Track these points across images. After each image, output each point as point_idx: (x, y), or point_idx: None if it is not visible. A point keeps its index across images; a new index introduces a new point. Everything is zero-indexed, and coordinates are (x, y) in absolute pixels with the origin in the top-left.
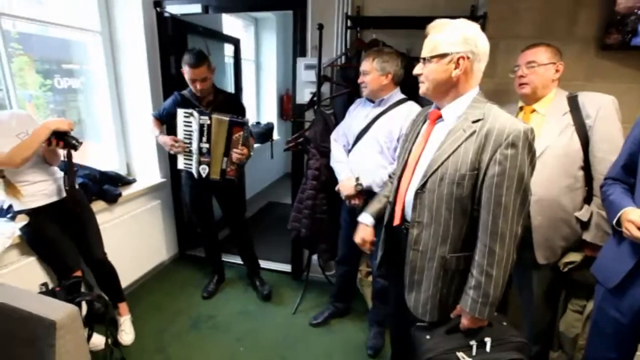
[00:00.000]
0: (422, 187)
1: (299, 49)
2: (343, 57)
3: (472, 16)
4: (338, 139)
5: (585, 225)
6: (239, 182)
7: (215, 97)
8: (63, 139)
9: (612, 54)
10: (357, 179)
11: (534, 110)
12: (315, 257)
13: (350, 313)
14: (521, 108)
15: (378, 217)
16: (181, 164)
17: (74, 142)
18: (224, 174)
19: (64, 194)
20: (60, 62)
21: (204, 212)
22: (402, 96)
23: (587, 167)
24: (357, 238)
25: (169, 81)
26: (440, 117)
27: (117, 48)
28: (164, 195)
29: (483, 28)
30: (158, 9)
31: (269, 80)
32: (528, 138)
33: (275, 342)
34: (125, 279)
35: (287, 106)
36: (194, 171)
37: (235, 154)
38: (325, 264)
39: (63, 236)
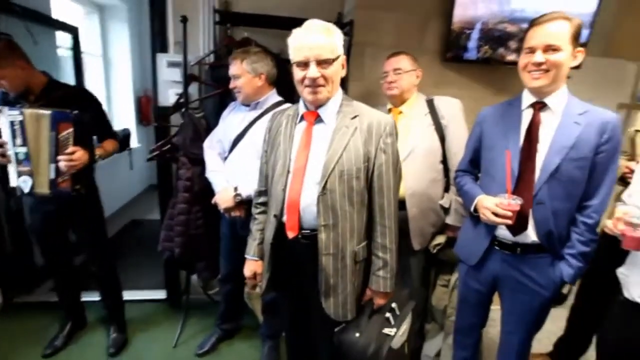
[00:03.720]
0: (324, 188)
1: (158, 43)
2: (212, 55)
3: (339, 22)
4: (212, 146)
5: (446, 211)
6: (90, 196)
7: (48, 93)
8: None
9: (452, 65)
10: (236, 188)
11: (400, 112)
12: (194, 276)
13: (241, 332)
14: (389, 110)
15: (262, 254)
16: (13, 179)
17: None
18: (54, 185)
19: None
20: None
21: (49, 239)
22: (279, 98)
23: (444, 160)
24: (247, 272)
25: None
26: (317, 117)
27: None
28: None
29: (350, 34)
30: None
31: (123, 79)
32: (396, 126)
33: None
34: None
35: (147, 109)
36: (15, 186)
37: (63, 160)
38: (206, 284)
39: None
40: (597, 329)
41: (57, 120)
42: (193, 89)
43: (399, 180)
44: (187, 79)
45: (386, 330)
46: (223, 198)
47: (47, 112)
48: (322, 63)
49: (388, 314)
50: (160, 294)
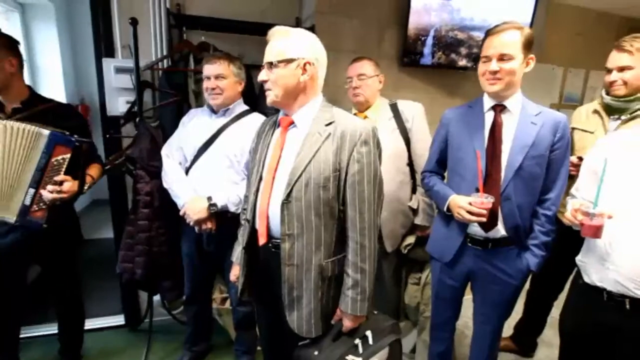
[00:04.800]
0: (288, 196)
1: (103, 47)
2: (167, 60)
3: (299, 27)
4: (171, 154)
5: (415, 212)
6: (71, 226)
7: (28, 105)
8: None
9: (409, 70)
10: (210, 198)
11: (366, 117)
12: (157, 297)
13: (212, 350)
14: (354, 115)
15: None
16: None
17: None
18: (24, 213)
19: None
20: None
21: (5, 276)
22: (246, 107)
23: (410, 163)
24: (232, 277)
25: None
26: (292, 123)
27: None
28: None
29: None
30: None
31: (53, 86)
32: (375, 135)
33: None
34: None
35: (85, 118)
36: None
37: (49, 190)
38: (172, 304)
39: None
40: (550, 311)
41: (56, 142)
42: (145, 96)
43: (379, 193)
44: (140, 85)
45: (350, 358)
46: (195, 209)
47: (45, 131)
48: (269, 67)
49: (358, 341)
50: (118, 320)
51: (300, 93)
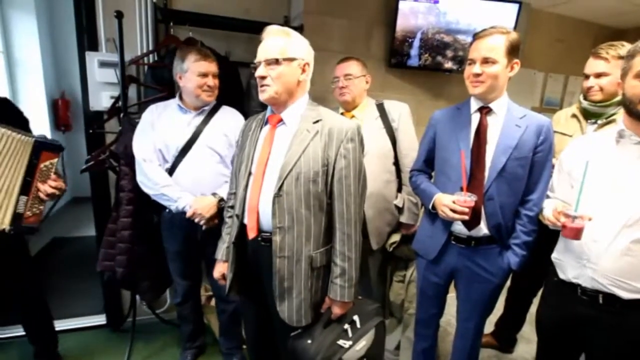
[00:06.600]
0: (279, 190)
1: (86, 40)
2: (153, 55)
3: (288, 26)
4: (151, 158)
5: (400, 210)
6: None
7: None
8: None
9: (396, 71)
10: (215, 194)
11: (353, 116)
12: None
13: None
14: (342, 114)
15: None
16: None
17: None
18: (17, 220)
19: None
20: None
21: None
22: (215, 102)
23: (396, 162)
24: (217, 274)
25: None
26: (280, 121)
27: None
28: None
29: None
30: None
31: (32, 79)
32: (360, 133)
33: None
34: None
35: (65, 114)
36: None
37: (50, 188)
38: (150, 304)
39: None
40: (529, 307)
41: (41, 148)
42: (130, 91)
43: (363, 188)
44: (125, 80)
45: (341, 342)
46: (206, 207)
47: (31, 139)
48: (270, 63)
49: (347, 326)
50: (99, 319)
51: (295, 91)
